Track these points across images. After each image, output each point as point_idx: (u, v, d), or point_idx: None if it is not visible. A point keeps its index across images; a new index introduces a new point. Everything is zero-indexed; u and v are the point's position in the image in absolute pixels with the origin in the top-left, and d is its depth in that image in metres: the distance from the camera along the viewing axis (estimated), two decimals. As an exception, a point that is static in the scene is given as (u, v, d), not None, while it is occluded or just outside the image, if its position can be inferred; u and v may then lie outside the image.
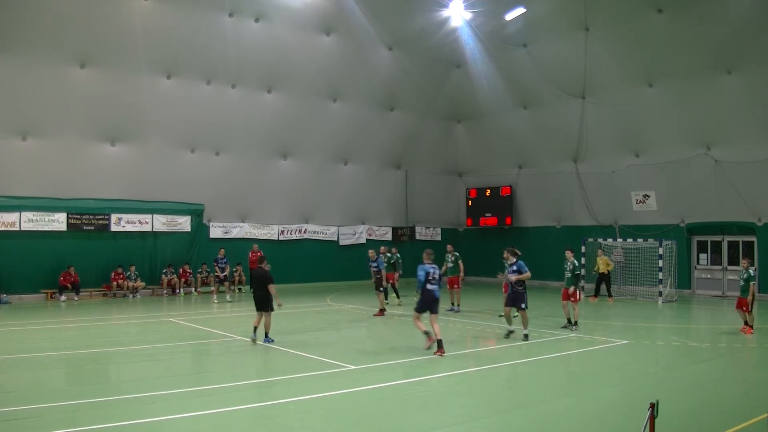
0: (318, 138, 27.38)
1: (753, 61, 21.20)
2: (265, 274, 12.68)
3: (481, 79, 28.39)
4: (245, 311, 19.68)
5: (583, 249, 23.79)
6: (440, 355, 10.98)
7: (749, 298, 13.96)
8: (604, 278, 21.81)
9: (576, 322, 14.53)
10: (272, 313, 12.73)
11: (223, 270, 23.09)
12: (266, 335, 12.57)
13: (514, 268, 13.11)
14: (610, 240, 24.37)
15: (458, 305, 18.12)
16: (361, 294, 21.58)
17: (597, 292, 22.22)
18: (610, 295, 21.77)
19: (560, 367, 10.74)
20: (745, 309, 14.09)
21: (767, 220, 22.41)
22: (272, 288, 12.43)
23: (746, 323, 14.16)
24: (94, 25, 21.28)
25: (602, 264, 21.83)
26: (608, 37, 23.99)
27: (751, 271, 14.17)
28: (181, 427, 7.28)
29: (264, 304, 12.60)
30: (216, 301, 21.34)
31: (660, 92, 23.72)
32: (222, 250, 23.54)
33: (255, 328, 12.59)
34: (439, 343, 11.14)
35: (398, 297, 20.06)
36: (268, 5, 23.87)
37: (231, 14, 23.38)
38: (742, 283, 14.30)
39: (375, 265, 18.10)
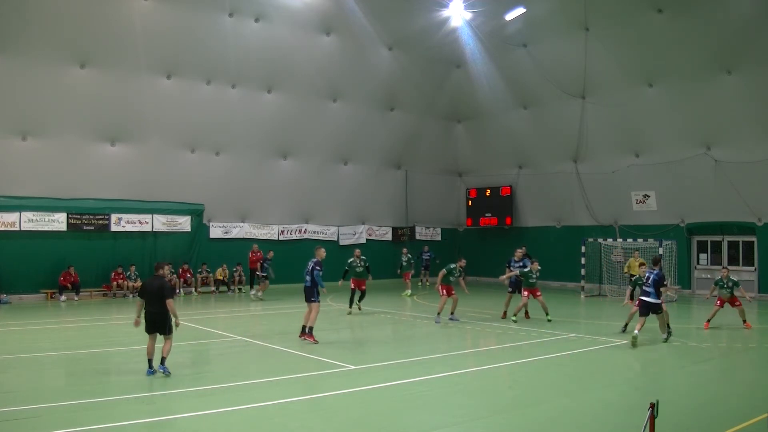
0: (318, 138, 27.38)
1: (753, 61, 21.19)
2: (162, 285, 9.74)
3: (481, 79, 28.37)
4: (245, 311, 19.71)
5: (583, 249, 23.82)
6: (304, 339, 12.69)
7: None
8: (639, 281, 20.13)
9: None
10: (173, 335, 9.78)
11: (264, 270, 22.59)
12: (162, 361, 9.63)
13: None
14: (610, 240, 24.36)
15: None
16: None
17: (632, 296, 20.44)
18: None
19: (560, 367, 10.74)
20: (738, 304, 15.00)
21: (767, 220, 22.41)
22: (170, 303, 9.60)
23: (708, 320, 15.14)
24: (94, 25, 21.27)
25: (636, 266, 19.93)
26: (608, 37, 23.98)
27: (734, 278, 15.35)
28: (181, 427, 7.29)
29: (160, 324, 9.69)
30: (260, 297, 21.82)
31: (660, 92, 23.71)
32: (271, 252, 22.88)
33: (150, 361, 9.61)
34: (309, 329, 12.77)
35: (357, 303, 18.27)
36: (268, 5, 23.86)
37: (231, 14, 23.37)
38: (728, 291, 15.13)
39: (519, 265, 16.99)
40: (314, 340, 12.66)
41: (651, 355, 11.95)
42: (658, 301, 12.87)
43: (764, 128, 21.72)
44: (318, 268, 13.22)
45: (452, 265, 16.40)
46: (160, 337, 9.76)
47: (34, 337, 14.06)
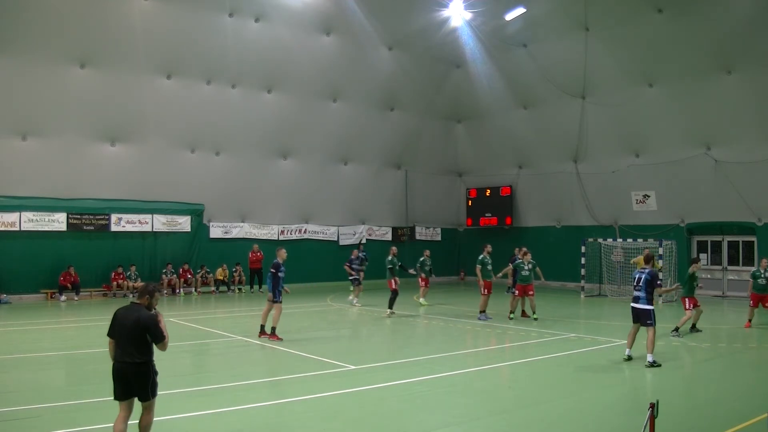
0: (318, 138, 27.38)
1: (753, 61, 21.20)
2: (150, 320, 6.09)
3: (481, 79, 28.40)
4: (245, 311, 19.69)
5: (583, 249, 23.81)
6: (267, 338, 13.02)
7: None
8: None
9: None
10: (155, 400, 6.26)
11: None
12: None
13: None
14: (610, 240, 24.36)
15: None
16: (361, 294, 21.50)
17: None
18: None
19: (560, 367, 10.73)
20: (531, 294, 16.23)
21: (767, 220, 22.41)
22: (164, 347, 6.22)
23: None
24: (94, 25, 21.29)
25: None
26: (608, 37, 23.99)
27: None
28: (181, 427, 7.28)
29: (137, 384, 6.08)
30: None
31: (660, 92, 23.71)
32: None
33: None
34: (272, 330, 13.07)
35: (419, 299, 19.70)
36: (268, 5, 23.88)
37: (231, 14, 23.39)
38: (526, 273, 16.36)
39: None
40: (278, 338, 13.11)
41: (651, 355, 11.93)
42: (649, 308, 10.57)
43: (764, 128, 21.72)
44: (271, 270, 13.65)
45: (481, 256, 16.60)
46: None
47: (34, 337, 14.07)
